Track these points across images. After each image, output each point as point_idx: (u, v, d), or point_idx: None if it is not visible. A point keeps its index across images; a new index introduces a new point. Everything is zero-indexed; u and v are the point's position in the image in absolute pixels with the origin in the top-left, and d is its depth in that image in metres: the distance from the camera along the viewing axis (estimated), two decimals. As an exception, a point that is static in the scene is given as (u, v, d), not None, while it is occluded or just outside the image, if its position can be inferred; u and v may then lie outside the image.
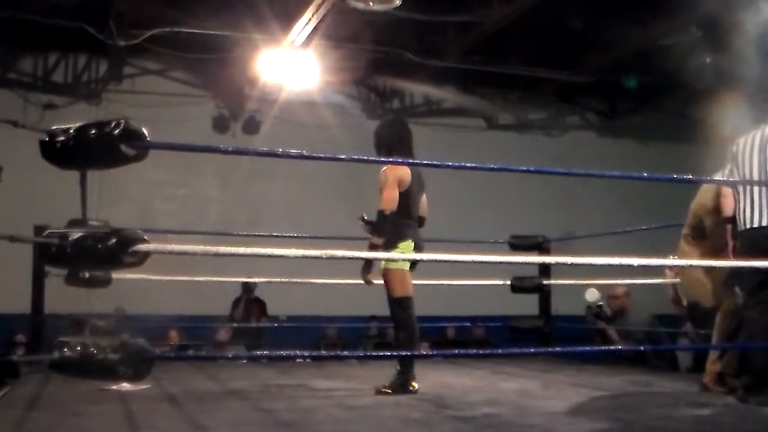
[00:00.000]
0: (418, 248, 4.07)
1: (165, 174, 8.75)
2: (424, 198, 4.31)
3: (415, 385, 3.98)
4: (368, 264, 4.05)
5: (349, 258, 4.17)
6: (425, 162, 3.43)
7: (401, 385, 3.95)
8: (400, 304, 4.01)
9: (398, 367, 3.98)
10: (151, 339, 2.58)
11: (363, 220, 4.14)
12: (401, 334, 3.99)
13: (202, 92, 9.81)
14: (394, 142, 4.14)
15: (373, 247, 3.96)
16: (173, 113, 8.99)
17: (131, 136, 2.46)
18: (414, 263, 4.12)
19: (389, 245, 3.99)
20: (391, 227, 3.99)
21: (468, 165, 3.37)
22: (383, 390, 3.94)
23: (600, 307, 6.34)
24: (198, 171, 9.21)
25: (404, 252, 4.01)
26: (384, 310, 4.21)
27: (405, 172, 4.07)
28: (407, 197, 4.08)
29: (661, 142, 11.13)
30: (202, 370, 5.22)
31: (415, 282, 4.45)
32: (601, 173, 3.68)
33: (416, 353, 4.35)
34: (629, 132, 11.44)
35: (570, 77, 9.89)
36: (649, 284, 5.32)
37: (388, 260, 3.98)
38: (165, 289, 6.67)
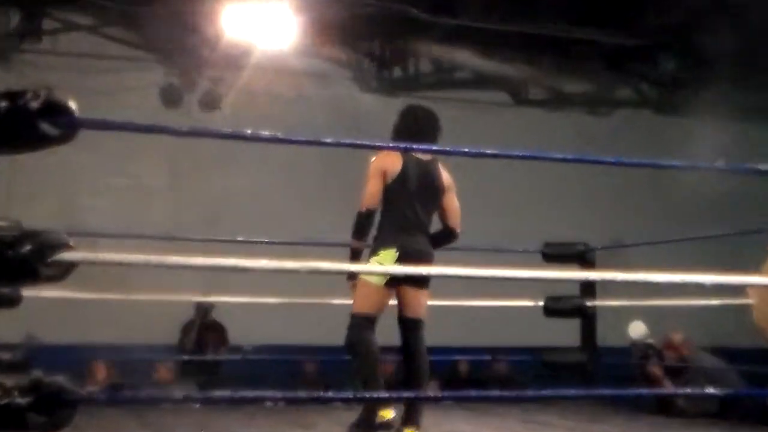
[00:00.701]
0: (408, 258, 4.11)
1: (97, 160, 8.69)
2: (448, 202, 4.39)
3: (388, 414, 4.10)
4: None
5: (337, 272, 4.22)
6: (433, 148, 3.38)
7: (364, 420, 4.09)
8: (351, 321, 4.17)
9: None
10: (74, 376, 2.53)
11: None
12: (356, 361, 4.16)
13: (147, 55, 9.77)
14: (398, 133, 4.31)
15: (353, 253, 4.18)
16: (109, 82, 8.95)
17: (54, 110, 2.44)
18: (412, 277, 4.15)
19: (372, 252, 4.19)
20: (378, 230, 4.21)
21: (488, 152, 3.33)
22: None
23: (649, 346, 6.33)
24: (141, 157, 9.17)
25: (383, 262, 4.13)
26: (383, 337, 4.25)
27: (391, 162, 4.19)
28: (395, 193, 4.19)
29: (742, 122, 11.09)
30: (140, 416, 5.19)
31: None
32: (660, 163, 3.65)
33: (423, 394, 4.46)
34: (699, 109, 11.37)
35: (621, 39, 9.85)
36: (727, 306, 5.27)
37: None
38: (94, 310, 6.62)
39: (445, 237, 4.41)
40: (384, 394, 4.45)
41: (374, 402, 4.11)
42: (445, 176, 4.37)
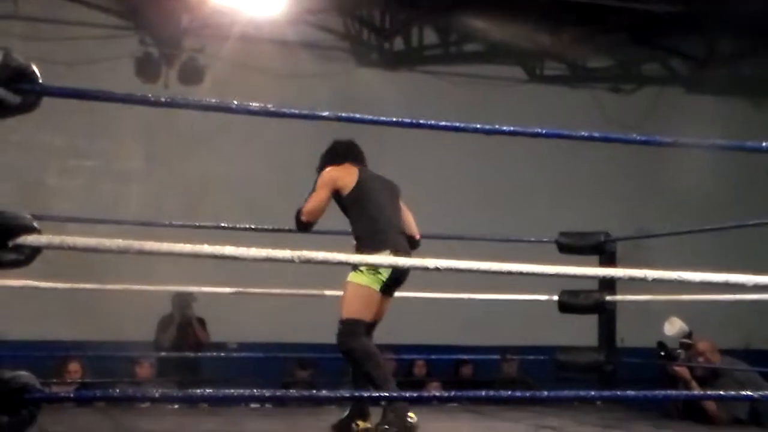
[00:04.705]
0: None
1: (64, 138, 8.71)
2: (405, 209, 4.74)
3: (413, 416, 4.31)
4: None
5: (332, 262, 4.26)
6: (442, 124, 3.41)
7: (398, 417, 4.24)
8: (347, 328, 4.37)
9: (383, 402, 4.37)
10: (41, 374, 2.54)
11: None
12: (364, 366, 4.33)
13: (121, 22, 9.75)
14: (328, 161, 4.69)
15: None
16: (77, 52, 8.93)
17: (15, 75, 2.44)
18: (391, 287, 4.46)
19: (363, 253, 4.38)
20: (363, 234, 4.49)
21: (502, 128, 3.36)
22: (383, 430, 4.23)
23: (683, 344, 6.30)
24: (114, 134, 9.18)
25: (377, 268, 4.38)
26: (381, 335, 4.44)
27: (347, 174, 4.58)
28: (364, 198, 4.53)
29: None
30: (113, 417, 5.21)
31: (418, 295, 4.54)
32: (693, 141, 3.66)
33: (427, 394, 4.61)
34: (735, 85, 11.37)
35: (648, 6, 9.83)
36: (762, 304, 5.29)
37: (356, 270, 4.37)
38: (62, 302, 6.63)
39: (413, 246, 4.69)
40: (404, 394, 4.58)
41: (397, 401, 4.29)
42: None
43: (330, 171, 4.58)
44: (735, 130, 9.70)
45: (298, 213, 4.55)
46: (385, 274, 4.36)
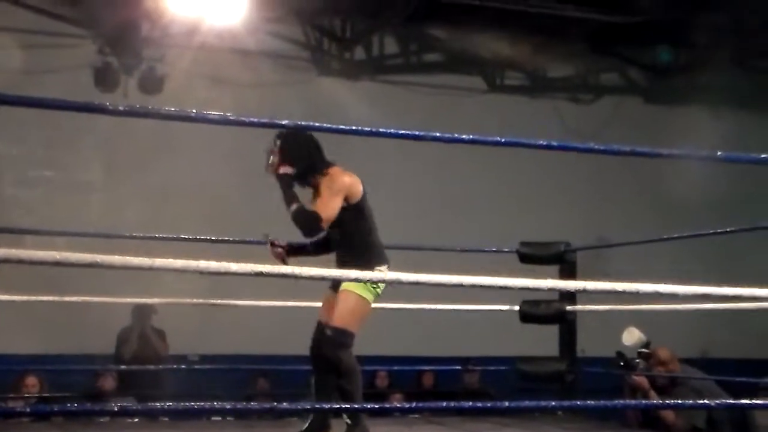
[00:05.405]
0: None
1: (21, 148, 8.62)
2: None
3: None
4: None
5: (290, 276, 4.22)
6: (402, 132, 3.42)
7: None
8: (343, 340, 4.31)
9: (348, 420, 4.34)
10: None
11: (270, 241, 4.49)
12: (344, 380, 4.33)
13: (80, 31, 9.67)
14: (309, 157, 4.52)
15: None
16: (34, 60, 8.85)
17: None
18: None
19: (364, 266, 4.26)
20: (367, 245, 4.40)
21: (461, 137, 3.38)
22: None
23: (642, 354, 6.36)
24: (72, 145, 9.10)
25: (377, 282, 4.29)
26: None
27: (357, 180, 4.46)
28: (368, 209, 4.46)
29: (743, 111, 11.21)
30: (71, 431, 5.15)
31: (380, 306, 4.63)
32: (651, 151, 3.72)
33: (390, 405, 4.60)
34: (693, 96, 11.47)
35: (608, 17, 9.91)
36: (717, 314, 5.36)
37: (358, 281, 4.29)
38: (20, 315, 6.57)
39: None
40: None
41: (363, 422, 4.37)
42: None
43: (343, 176, 4.40)
44: (693, 139, 9.79)
45: (317, 219, 4.29)
46: (380, 289, 4.32)
